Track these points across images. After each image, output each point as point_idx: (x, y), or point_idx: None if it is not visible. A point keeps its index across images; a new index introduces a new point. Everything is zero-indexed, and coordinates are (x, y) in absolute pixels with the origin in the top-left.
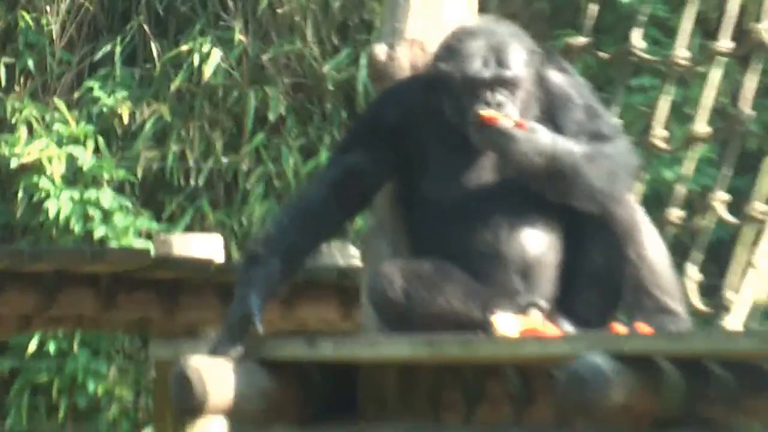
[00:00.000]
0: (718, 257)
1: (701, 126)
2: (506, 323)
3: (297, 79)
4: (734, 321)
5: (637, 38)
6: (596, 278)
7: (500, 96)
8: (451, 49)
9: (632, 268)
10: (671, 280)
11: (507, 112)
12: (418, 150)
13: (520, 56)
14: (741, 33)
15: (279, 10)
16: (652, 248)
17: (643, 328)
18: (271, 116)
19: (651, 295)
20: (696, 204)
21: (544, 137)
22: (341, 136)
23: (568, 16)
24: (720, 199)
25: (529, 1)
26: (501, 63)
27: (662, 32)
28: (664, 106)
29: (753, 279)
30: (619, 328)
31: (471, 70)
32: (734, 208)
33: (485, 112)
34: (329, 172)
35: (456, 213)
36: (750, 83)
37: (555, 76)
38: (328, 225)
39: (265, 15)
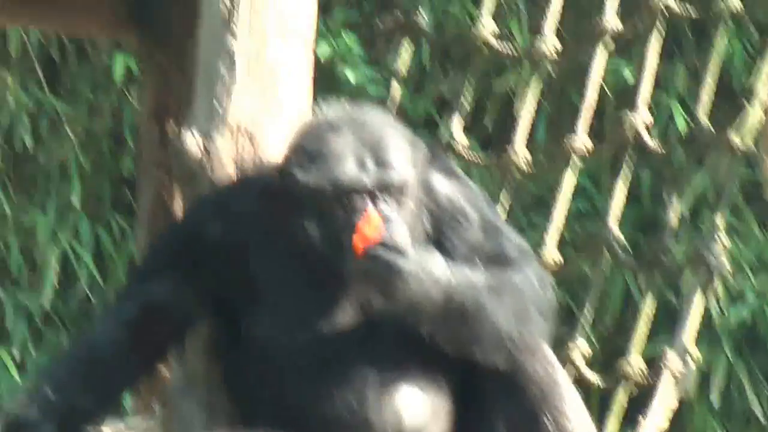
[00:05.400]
0: None
1: None
2: None
3: None
4: None
5: None
6: None
7: (383, 207)
8: (309, 149)
9: None
10: None
11: (394, 227)
12: (247, 277)
13: (404, 154)
14: None
15: None
16: (577, 418)
17: None
18: None
19: None
20: None
21: (439, 265)
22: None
23: None
24: None
25: None
26: (382, 164)
27: None
28: None
29: None
30: None
31: (342, 176)
32: None
33: (363, 233)
34: (124, 306)
35: (302, 363)
36: None
37: (440, 183)
38: (123, 379)
39: None
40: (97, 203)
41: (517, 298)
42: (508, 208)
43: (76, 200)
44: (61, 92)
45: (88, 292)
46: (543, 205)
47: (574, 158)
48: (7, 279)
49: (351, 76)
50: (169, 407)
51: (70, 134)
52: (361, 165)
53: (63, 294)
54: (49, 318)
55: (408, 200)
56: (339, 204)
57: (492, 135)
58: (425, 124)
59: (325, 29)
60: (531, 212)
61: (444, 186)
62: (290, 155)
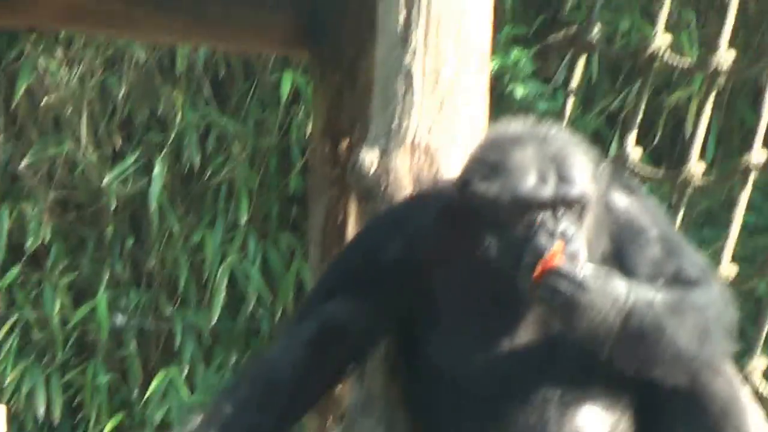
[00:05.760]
0: None
1: None
2: None
3: (66, 192)
4: None
5: None
6: None
7: (564, 223)
8: (490, 161)
9: None
10: None
11: (574, 247)
12: (427, 297)
13: (585, 169)
14: None
15: (43, 102)
16: None
17: None
18: (30, 244)
19: None
20: None
21: (619, 286)
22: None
23: None
24: None
25: None
26: (564, 178)
27: None
28: None
29: None
30: None
31: (524, 189)
32: None
33: (545, 253)
34: (304, 325)
35: (481, 383)
36: None
37: (620, 200)
38: (303, 399)
39: (22, 107)
40: (264, 221)
41: (699, 317)
42: (681, 223)
43: (243, 218)
44: (228, 110)
45: (256, 309)
46: (711, 219)
47: (752, 173)
48: (176, 297)
49: (519, 91)
50: (348, 426)
51: (238, 152)
52: (543, 179)
53: (231, 312)
54: (218, 336)
55: (588, 216)
56: (518, 217)
57: (660, 149)
58: (592, 139)
59: (495, 44)
60: (700, 227)
61: (624, 203)
62: (470, 167)
